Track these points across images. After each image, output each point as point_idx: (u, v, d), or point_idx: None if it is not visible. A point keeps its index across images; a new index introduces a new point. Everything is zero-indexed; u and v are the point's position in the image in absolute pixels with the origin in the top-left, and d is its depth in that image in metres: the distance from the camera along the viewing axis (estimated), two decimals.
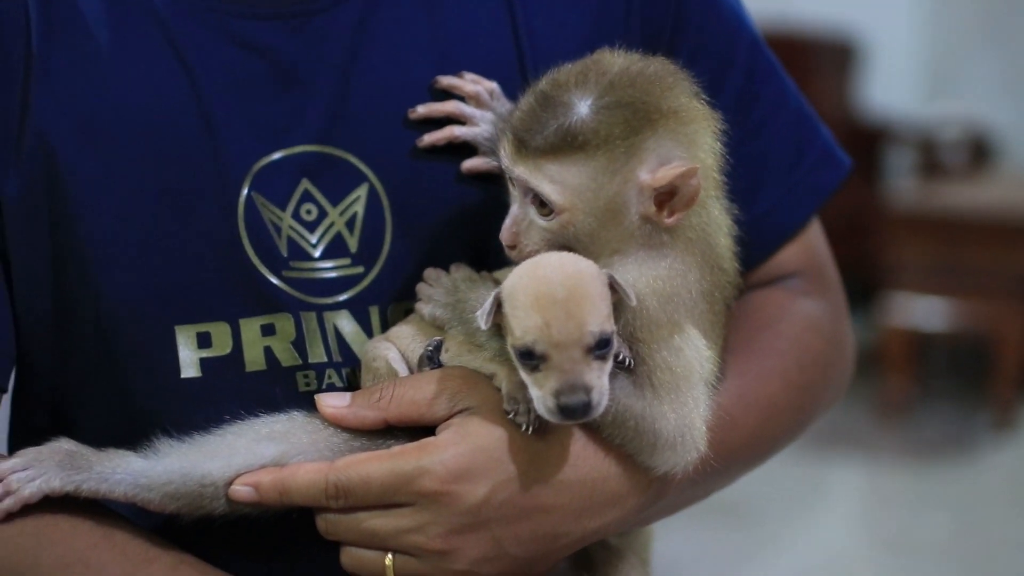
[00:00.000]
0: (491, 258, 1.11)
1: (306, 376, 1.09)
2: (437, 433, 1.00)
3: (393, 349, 1.07)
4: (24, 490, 0.98)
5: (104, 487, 1.00)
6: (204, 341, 1.08)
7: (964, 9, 5.62)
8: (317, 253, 1.10)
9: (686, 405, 1.00)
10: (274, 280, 1.09)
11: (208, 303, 1.08)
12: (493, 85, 1.14)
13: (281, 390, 1.08)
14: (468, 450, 0.98)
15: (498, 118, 1.12)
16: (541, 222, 1.02)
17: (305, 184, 1.10)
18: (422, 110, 1.13)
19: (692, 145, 1.02)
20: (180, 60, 1.09)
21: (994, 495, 4.13)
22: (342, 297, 1.10)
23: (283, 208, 1.10)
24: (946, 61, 5.30)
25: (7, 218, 1.07)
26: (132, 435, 1.04)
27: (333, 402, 1.02)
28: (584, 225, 1.01)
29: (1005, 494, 4.15)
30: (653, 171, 0.99)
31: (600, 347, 0.94)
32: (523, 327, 0.94)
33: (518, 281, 0.97)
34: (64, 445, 1.01)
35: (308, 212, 1.11)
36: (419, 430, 1.01)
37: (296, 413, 1.04)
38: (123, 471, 1.00)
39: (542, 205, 1.01)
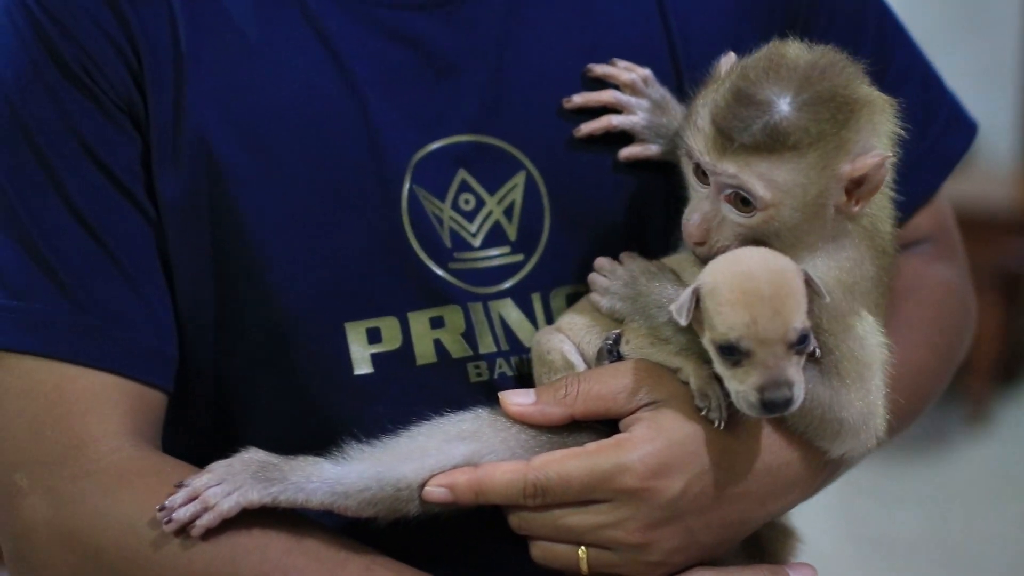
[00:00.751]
0: (649, 246, 1.12)
1: (477, 367, 1.10)
2: (623, 427, 1.01)
3: (567, 341, 1.08)
4: (222, 505, 0.97)
5: (301, 496, 0.99)
6: (374, 337, 1.08)
7: (939, 2, 5.63)
8: (478, 243, 1.11)
9: (870, 392, 1.03)
10: (440, 272, 1.09)
11: (376, 298, 1.08)
12: (647, 72, 1.14)
13: (454, 382, 1.09)
14: (664, 445, 0.99)
15: (654, 105, 1.13)
16: (738, 218, 1.02)
17: (462, 174, 1.11)
18: (578, 99, 1.13)
19: (881, 133, 1.03)
20: (331, 53, 1.09)
21: (969, 489, 4.14)
22: (505, 285, 1.11)
23: (442, 199, 1.10)
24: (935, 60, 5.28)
25: (168, 221, 1.06)
26: (305, 435, 1.05)
27: (519, 400, 1.03)
28: (787, 221, 1.01)
29: (980, 488, 4.16)
30: (853, 162, 1.01)
31: (800, 343, 0.96)
32: (728, 323, 0.96)
33: (721, 277, 0.98)
34: (255, 456, 1.00)
35: (467, 202, 1.11)
36: (603, 423, 1.02)
37: (481, 410, 1.04)
38: (318, 479, 0.99)
39: (743, 202, 1.01)
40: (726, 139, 1.00)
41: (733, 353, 0.96)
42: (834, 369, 1.02)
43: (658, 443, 0.99)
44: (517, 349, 1.11)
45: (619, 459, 0.98)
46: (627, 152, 1.14)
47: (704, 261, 1.03)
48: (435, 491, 1.00)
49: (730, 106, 1.00)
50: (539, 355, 1.07)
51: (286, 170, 1.07)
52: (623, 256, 1.08)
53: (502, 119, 1.12)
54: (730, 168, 1.00)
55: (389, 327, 1.08)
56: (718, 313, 0.96)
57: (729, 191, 1.01)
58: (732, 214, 1.02)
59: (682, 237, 1.08)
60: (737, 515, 1.03)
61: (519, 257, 1.11)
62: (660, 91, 1.15)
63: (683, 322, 0.97)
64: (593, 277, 1.08)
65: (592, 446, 1.00)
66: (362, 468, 1.00)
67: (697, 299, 0.98)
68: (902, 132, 1.05)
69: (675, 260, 1.08)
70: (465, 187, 1.11)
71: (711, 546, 1.03)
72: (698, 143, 1.03)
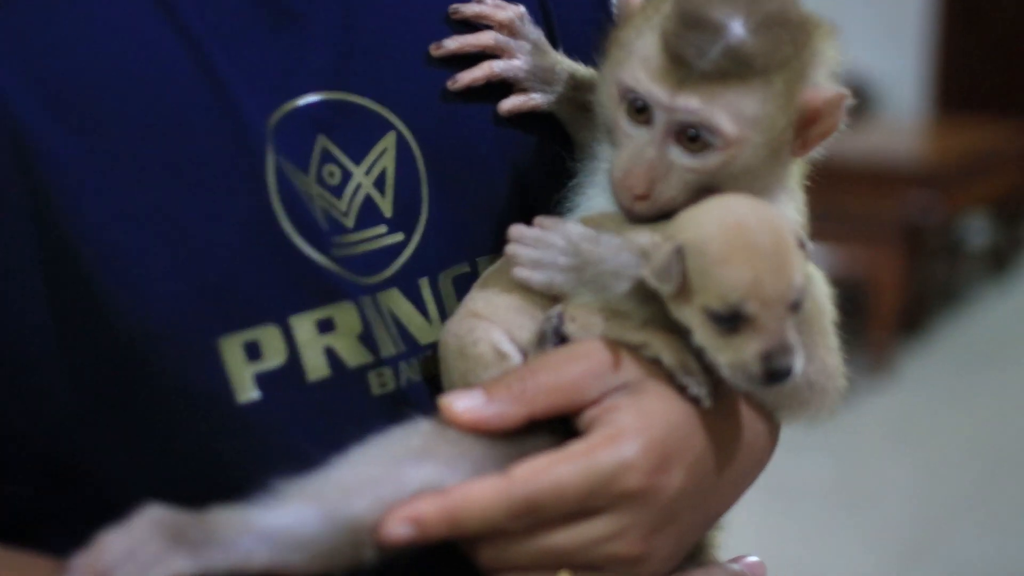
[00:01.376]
0: (541, 209, 0.96)
1: (380, 376, 0.90)
2: (590, 420, 0.85)
3: (494, 328, 0.90)
4: None
5: (237, 556, 0.77)
6: (253, 352, 0.85)
7: None
8: (351, 223, 0.91)
9: (832, 349, 0.94)
10: (323, 261, 0.88)
11: (251, 303, 0.85)
12: (521, 8, 1.00)
13: (354, 397, 0.88)
14: (661, 433, 0.84)
15: (535, 48, 0.99)
16: (691, 162, 0.89)
17: (323, 141, 0.91)
18: (452, 44, 0.97)
19: (828, 63, 0.93)
20: (160, 2, 0.87)
21: (872, 438, 4.21)
22: (388, 273, 0.92)
23: (306, 172, 0.90)
24: (826, 14, 5.36)
25: None
26: (182, 490, 0.81)
27: (467, 403, 0.84)
28: (748, 161, 0.89)
29: (883, 437, 4.23)
30: (813, 92, 0.91)
31: (797, 302, 0.85)
32: (728, 284, 0.83)
33: (710, 230, 0.85)
34: (158, 515, 0.77)
35: (331, 175, 0.91)
36: (559, 421, 0.86)
37: (421, 422, 0.85)
38: (255, 533, 0.78)
39: (693, 140, 0.88)
40: (682, 67, 0.87)
41: (732, 319, 0.83)
42: (804, 327, 0.90)
43: (654, 431, 0.84)
44: (415, 349, 0.92)
45: (620, 455, 0.82)
46: (510, 104, 0.99)
47: (636, 221, 0.91)
48: (398, 529, 0.79)
49: (680, 31, 0.87)
50: (459, 349, 0.90)
51: (118, 150, 0.83)
52: (543, 221, 0.91)
53: (360, 72, 0.93)
54: (692, 101, 0.87)
55: (270, 338, 0.86)
56: (712, 273, 0.83)
57: (685, 130, 0.89)
58: (683, 158, 0.89)
59: (577, 198, 0.96)
60: (722, 505, 0.92)
61: (399, 237, 0.93)
62: (536, 31, 1.00)
63: (670, 288, 0.84)
64: (515, 249, 0.90)
65: (580, 445, 0.83)
66: (303, 510, 0.79)
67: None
68: (842, 64, 0.95)
69: (596, 220, 0.93)
70: (327, 156, 0.91)
71: (689, 546, 0.90)
72: (642, 75, 0.89)
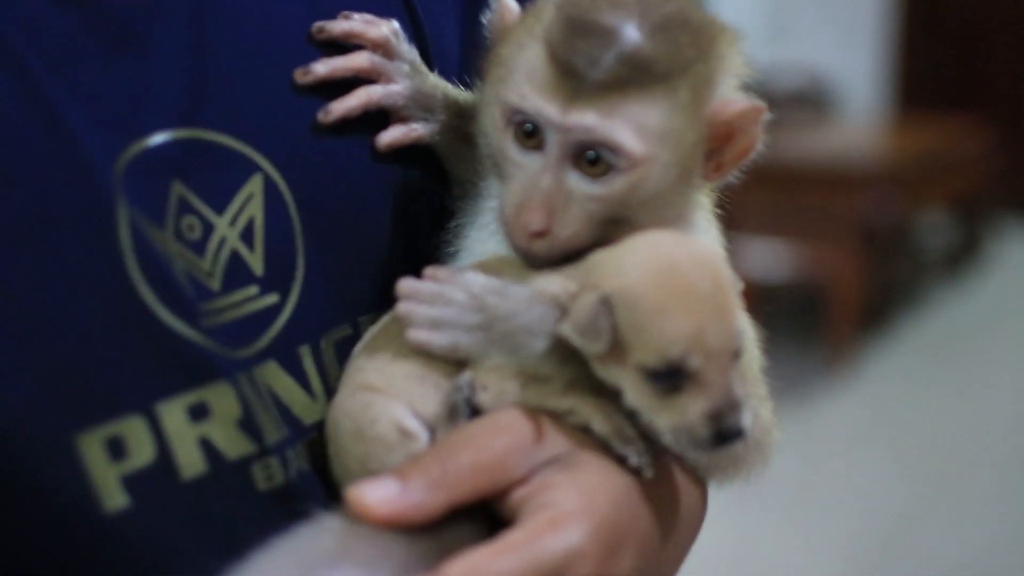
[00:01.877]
0: (429, 256, 0.86)
1: (266, 468, 0.77)
2: (519, 502, 0.73)
3: (394, 403, 0.78)
4: None
5: None
6: (117, 450, 0.72)
7: None
8: (216, 285, 0.78)
9: (765, 397, 0.83)
10: (190, 334, 0.75)
11: (109, 390, 0.72)
12: (395, 24, 0.88)
13: (237, 495, 0.76)
14: (607, 512, 0.73)
15: (413, 69, 0.88)
16: (592, 188, 0.78)
17: (178, 188, 0.78)
18: (321, 69, 0.84)
19: (733, 71, 0.82)
20: None
21: (836, 438, 4.21)
22: (262, 343, 0.80)
23: (162, 226, 0.76)
24: (785, 11, 5.37)
25: None
26: None
27: (381, 493, 0.72)
28: (656, 184, 0.78)
29: (847, 436, 4.23)
30: (722, 104, 0.80)
31: (740, 349, 0.75)
32: (667, 337, 0.72)
33: (639, 275, 0.74)
34: None
35: (190, 228, 0.78)
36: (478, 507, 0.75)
37: (328, 518, 0.74)
38: None
39: (593, 163, 0.78)
40: (573, 79, 0.76)
41: (672, 377, 0.73)
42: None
43: (600, 511, 0.72)
44: (299, 431, 0.80)
45: (567, 543, 0.70)
46: (390, 137, 0.87)
47: (535, 264, 0.80)
48: None
49: (568, 38, 0.76)
50: (355, 431, 0.78)
51: None
52: (436, 272, 0.79)
53: (216, 104, 0.80)
54: (587, 116, 0.76)
55: (135, 431, 0.73)
56: (647, 326, 0.73)
57: (583, 151, 0.78)
58: (584, 185, 0.78)
59: (459, 242, 0.85)
60: None
61: (272, 298, 0.81)
62: (411, 50, 0.88)
63: (600, 347, 0.73)
64: (408, 308, 0.78)
65: (519, 534, 0.71)
66: None
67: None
68: (753, 73, 0.84)
69: (490, 266, 0.81)
70: (185, 206, 0.78)
71: None
72: (528, 91, 0.78)
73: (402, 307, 0.79)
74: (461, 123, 0.89)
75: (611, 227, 0.79)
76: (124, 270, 0.73)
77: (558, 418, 0.76)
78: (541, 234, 0.78)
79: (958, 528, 3.35)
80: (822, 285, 4.66)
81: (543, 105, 0.77)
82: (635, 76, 0.76)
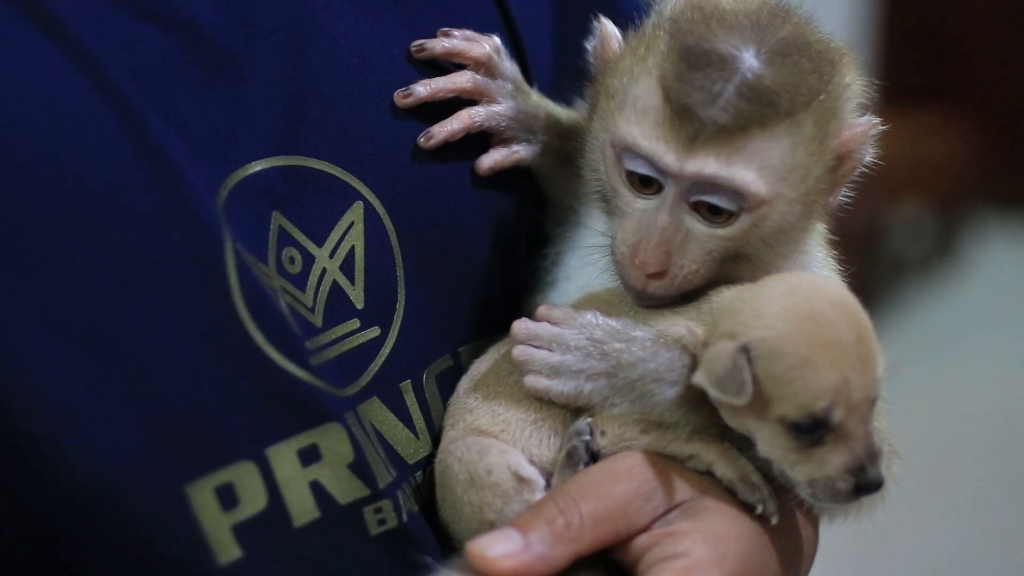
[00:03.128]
0: (528, 283, 0.84)
1: (379, 510, 0.74)
2: (641, 551, 0.71)
3: (511, 450, 0.75)
4: None
5: None
6: (228, 498, 0.69)
7: None
8: (319, 321, 0.76)
9: (884, 429, 0.79)
10: (300, 373, 0.72)
11: (219, 436, 0.69)
12: (496, 41, 0.83)
13: (348, 541, 0.74)
14: (738, 562, 0.71)
15: (515, 88, 0.83)
16: (714, 231, 0.74)
17: (278, 219, 0.74)
18: (423, 91, 0.80)
19: (857, 93, 0.79)
20: (64, 40, 0.67)
21: None
22: (365, 379, 0.77)
23: (264, 260, 0.73)
24: None
25: None
26: None
27: (504, 548, 0.69)
28: (778, 222, 0.75)
29: None
30: (848, 130, 0.77)
31: (877, 397, 0.73)
32: (812, 391, 0.69)
33: (784, 327, 0.70)
34: None
35: (291, 261, 0.75)
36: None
37: (447, 573, 0.72)
38: None
39: (713, 210, 0.74)
40: (693, 121, 0.72)
41: (814, 430, 0.70)
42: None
43: (730, 561, 0.70)
44: (404, 471, 0.77)
45: None
46: (491, 160, 0.83)
47: (649, 304, 0.77)
48: None
49: (684, 73, 0.72)
50: (471, 478, 0.75)
51: (32, 249, 0.65)
52: (551, 312, 0.76)
53: (315, 129, 0.77)
54: (708, 163, 0.72)
55: (246, 478, 0.70)
56: (791, 379, 0.69)
57: (695, 194, 0.74)
58: (702, 226, 0.75)
59: (556, 271, 0.83)
60: None
61: (374, 332, 0.78)
62: (513, 67, 0.84)
63: (743, 400, 0.70)
64: (526, 353, 0.75)
65: None
66: None
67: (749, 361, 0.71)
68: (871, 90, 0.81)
69: (601, 300, 0.79)
70: (286, 238, 0.75)
71: None
72: (641, 133, 0.74)
73: (518, 352, 0.75)
74: (563, 144, 0.85)
75: (735, 263, 0.76)
76: (233, 309, 0.69)
77: (680, 463, 0.74)
78: (659, 275, 0.75)
79: (935, 528, 3.36)
80: None
81: (660, 150, 0.73)
82: (757, 114, 0.72)
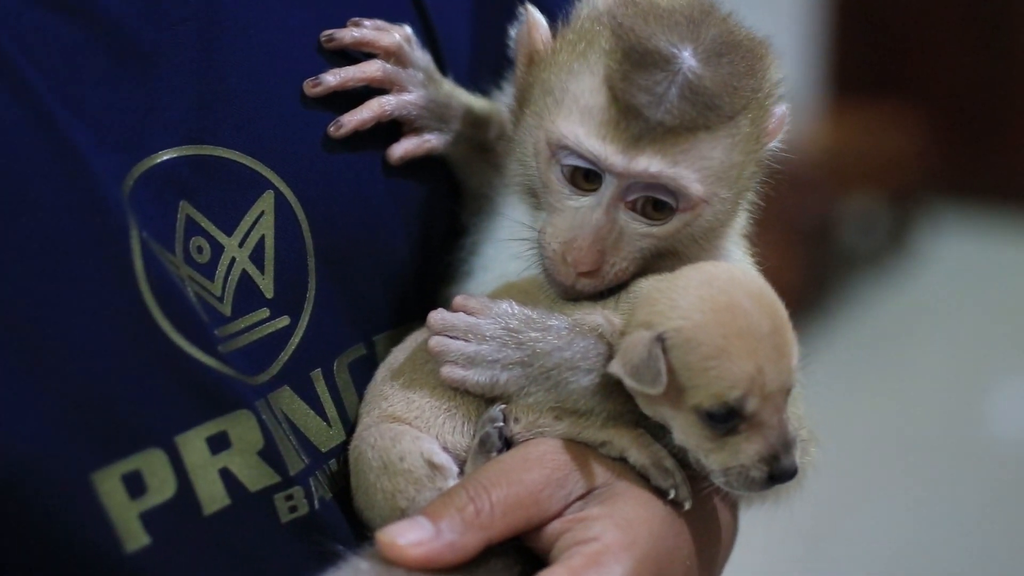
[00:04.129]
0: (444, 273, 0.84)
1: (290, 498, 0.74)
2: (553, 536, 0.71)
3: (425, 438, 0.76)
4: None
5: None
6: (136, 486, 0.69)
7: None
8: (227, 310, 0.76)
9: (802, 415, 0.80)
10: (208, 361, 0.72)
11: (127, 424, 0.69)
12: (407, 30, 0.84)
13: (259, 528, 0.74)
14: (648, 546, 0.71)
15: (427, 77, 0.83)
16: (647, 228, 0.75)
17: (186, 208, 0.75)
18: (332, 80, 0.80)
19: (781, 86, 0.80)
20: None
21: None
22: (275, 369, 0.77)
23: (171, 249, 0.73)
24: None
25: None
26: None
27: (414, 536, 0.69)
28: (719, 215, 0.77)
29: None
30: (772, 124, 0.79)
31: (792, 386, 0.73)
32: (727, 381, 0.70)
33: (700, 317, 0.71)
34: None
35: (199, 250, 0.75)
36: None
37: (357, 561, 0.71)
38: None
39: (653, 206, 0.75)
40: (639, 122, 0.73)
41: (730, 419, 0.71)
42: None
43: (640, 545, 0.70)
44: (317, 459, 0.77)
45: None
46: (403, 149, 0.83)
47: (573, 298, 0.77)
48: None
49: (629, 73, 0.73)
50: (384, 465, 0.75)
51: None
52: (467, 303, 0.77)
53: (226, 119, 0.77)
54: (654, 164, 0.73)
55: (154, 466, 0.70)
56: (706, 369, 0.70)
57: (638, 195, 0.75)
58: (637, 224, 0.75)
59: (473, 260, 0.83)
60: None
61: (284, 321, 0.78)
62: (425, 56, 0.85)
63: (658, 390, 0.70)
64: (441, 343, 0.75)
65: (560, 571, 0.69)
66: None
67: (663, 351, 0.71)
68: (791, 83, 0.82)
69: (519, 290, 0.78)
70: (193, 227, 0.75)
71: None
72: (583, 131, 0.74)
73: (435, 342, 0.75)
74: (477, 133, 0.86)
75: (662, 259, 0.77)
76: (140, 297, 0.69)
77: (593, 450, 0.74)
78: (590, 274, 0.75)
79: (886, 518, 3.38)
80: None
81: (606, 150, 0.73)
82: (702, 117, 0.73)
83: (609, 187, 0.74)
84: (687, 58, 0.73)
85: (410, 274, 0.85)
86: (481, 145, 0.86)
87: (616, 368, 0.71)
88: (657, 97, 0.72)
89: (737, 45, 0.75)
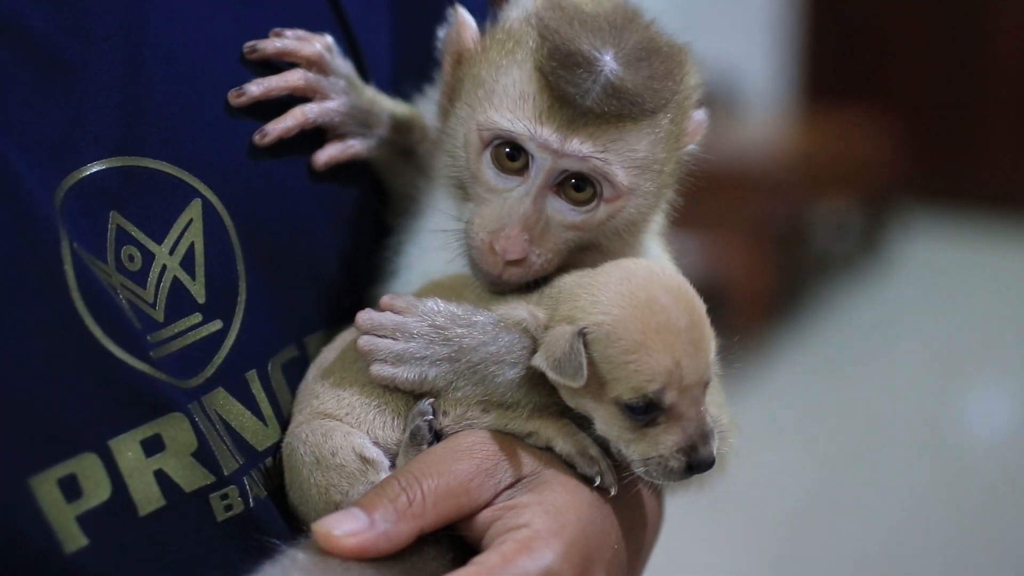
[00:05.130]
0: (372, 273, 0.87)
1: (225, 497, 0.77)
2: (484, 524, 0.74)
3: (356, 433, 0.78)
4: None
5: None
6: (71, 489, 0.71)
7: None
8: (160, 316, 0.78)
9: (722, 403, 0.83)
10: (140, 366, 0.74)
11: (61, 429, 0.71)
12: (328, 39, 0.87)
13: (196, 527, 0.76)
14: (576, 531, 0.74)
15: (349, 84, 0.86)
16: (573, 217, 0.78)
17: (116, 218, 0.77)
18: (255, 89, 0.83)
19: (700, 89, 0.84)
20: None
21: (749, 424, 4.24)
22: (209, 371, 0.79)
23: (103, 258, 0.76)
24: (683, 7, 5.39)
25: None
26: None
27: (348, 526, 0.71)
28: (642, 208, 0.80)
29: (747, 431, 4.27)
30: (694, 126, 0.83)
31: (709, 379, 0.76)
32: (646, 374, 0.73)
33: (620, 313, 0.74)
34: None
35: (130, 259, 0.77)
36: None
37: (294, 552, 0.73)
38: None
39: (579, 190, 0.78)
40: (571, 108, 0.76)
41: (649, 411, 0.74)
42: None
43: (570, 530, 0.73)
44: (253, 458, 0.80)
45: (542, 564, 0.71)
46: (327, 155, 0.86)
47: (498, 291, 0.80)
48: None
49: (556, 69, 0.76)
50: (316, 460, 0.77)
51: None
52: (394, 301, 0.79)
53: (152, 131, 0.79)
54: (585, 145, 0.76)
55: (88, 469, 0.72)
56: (625, 363, 0.73)
57: (570, 179, 0.78)
58: (564, 212, 0.78)
59: (404, 259, 0.85)
60: None
61: (216, 325, 0.80)
62: (346, 64, 0.87)
63: (579, 383, 0.73)
64: (369, 343, 0.78)
65: (492, 557, 0.71)
66: None
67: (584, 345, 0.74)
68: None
69: (445, 287, 0.81)
70: (124, 236, 0.77)
71: None
72: (519, 117, 0.77)
73: (363, 342, 0.78)
74: (399, 137, 0.89)
75: (585, 253, 0.80)
76: (72, 306, 0.72)
77: (520, 440, 0.77)
78: (517, 263, 0.78)
79: (861, 520, 3.39)
80: (726, 281, 4.68)
81: (540, 131, 0.77)
82: (626, 110, 0.76)
83: (539, 173, 0.78)
84: (608, 61, 0.76)
85: (339, 275, 0.87)
86: (404, 149, 0.89)
87: (539, 361, 0.74)
88: (584, 90, 0.76)
89: (657, 51, 0.79)
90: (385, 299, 0.79)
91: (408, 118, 0.89)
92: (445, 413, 0.77)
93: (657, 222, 0.86)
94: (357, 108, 0.87)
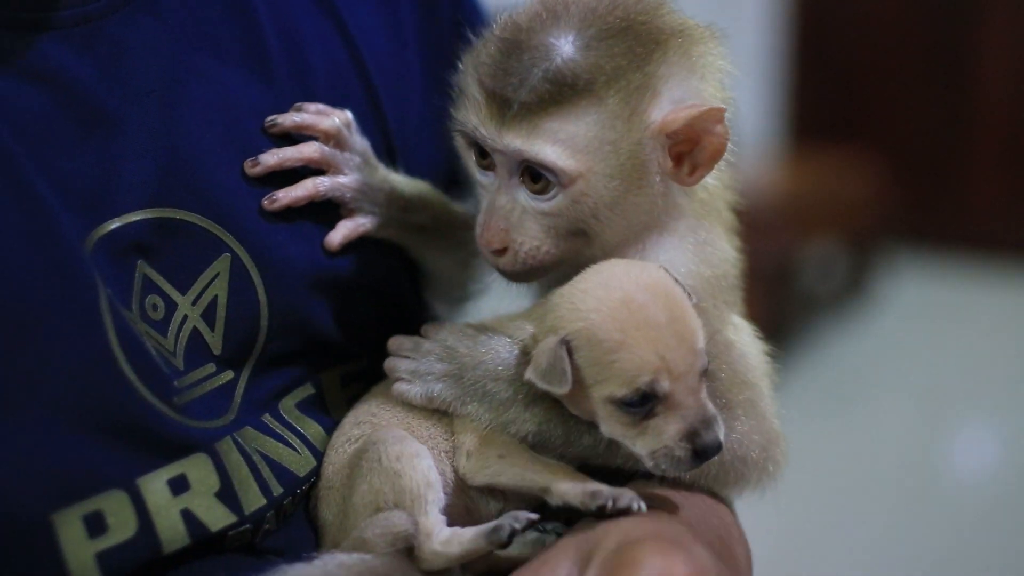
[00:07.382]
0: (408, 326, 0.89)
1: (241, 536, 0.81)
2: None
3: (424, 454, 0.81)
4: None
5: None
6: (96, 525, 0.74)
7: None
8: (181, 364, 0.81)
9: (765, 419, 0.86)
10: (166, 410, 0.78)
11: (93, 467, 0.74)
12: (348, 115, 0.90)
13: (212, 563, 0.79)
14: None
15: (363, 161, 0.89)
16: (539, 205, 0.82)
17: (143, 268, 0.80)
18: (270, 160, 0.86)
19: (704, 71, 0.84)
20: None
21: None
22: (230, 416, 0.83)
23: (128, 305, 0.79)
24: None
25: None
26: None
27: None
28: (603, 196, 0.81)
29: None
30: (667, 110, 0.82)
31: (706, 366, 0.79)
32: (632, 369, 0.76)
33: (596, 316, 0.77)
34: None
35: (154, 307, 0.81)
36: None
37: (325, 558, 0.78)
38: None
39: (535, 180, 0.81)
40: (501, 102, 0.80)
41: (644, 403, 0.76)
42: (722, 400, 0.83)
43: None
44: (295, 484, 0.85)
45: None
46: (340, 236, 0.89)
47: (511, 279, 0.85)
48: None
49: (498, 62, 0.80)
50: (380, 461, 0.80)
51: None
52: (427, 328, 0.84)
53: (187, 183, 0.83)
54: (514, 139, 0.80)
55: (116, 506, 0.75)
56: (609, 362, 0.76)
57: (519, 170, 0.81)
58: (533, 201, 0.82)
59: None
60: None
61: (228, 376, 0.84)
62: (363, 141, 0.91)
63: (563, 389, 0.77)
64: (391, 362, 0.83)
65: None
66: None
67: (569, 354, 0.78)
68: (734, 71, 0.87)
69: (500, 320, 0.86)
70: (149, 286, 0.81)
71: None
72: (472, 117, 0.82)
73: (387, 363, 0.83)
74: (406, 216, 0.92)
75: (577, 239, 0.83)
76: (109, 348, 0.75)
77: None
78: (500, 251, 0.82)
79: (846, 559, 3.39)
80: None
81: (480, 129, 0.81)
82: (554, 92, 0.78)
83: (500, 168, 0.82)
84: (563, 47, 0.79)
85: (365, 316, 0.90)
86: (418, 227, 0.92)
87: (530, 374, 0.78)
88: (517, 79, 0.79)
89: (628, 29, 0.80)
90: (424, 327, 0.84)
91: (416, 196, 0.92)
92: (468, 455, 0.81)
93: (668, 214, 0.85)
94: (368, 185, 0.90)
